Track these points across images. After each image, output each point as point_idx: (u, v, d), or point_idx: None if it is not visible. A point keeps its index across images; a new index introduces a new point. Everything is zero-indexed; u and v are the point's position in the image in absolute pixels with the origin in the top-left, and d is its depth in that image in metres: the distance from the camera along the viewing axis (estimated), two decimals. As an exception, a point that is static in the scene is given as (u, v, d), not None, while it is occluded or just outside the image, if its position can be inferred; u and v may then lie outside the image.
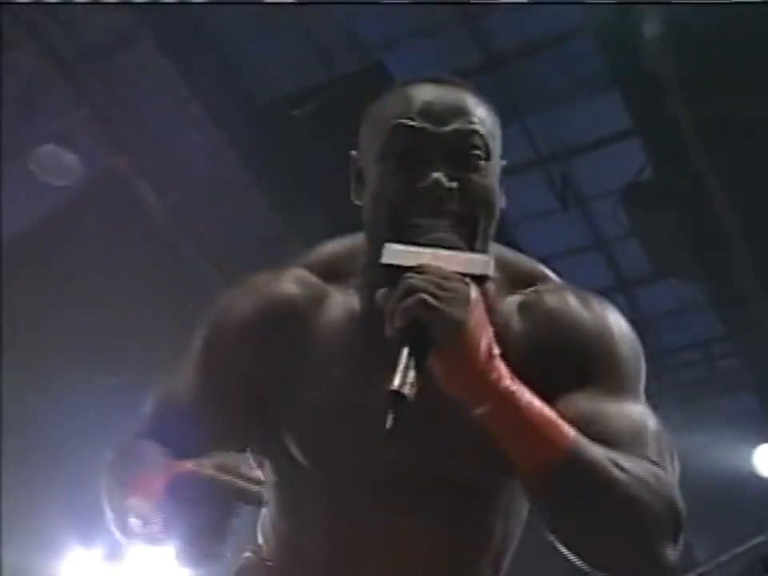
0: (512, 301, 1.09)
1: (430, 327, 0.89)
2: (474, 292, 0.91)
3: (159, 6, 3.54)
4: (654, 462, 0.97)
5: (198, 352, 1.12)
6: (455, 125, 1.03)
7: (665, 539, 0.93)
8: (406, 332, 0.89)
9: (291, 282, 1.10)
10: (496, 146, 1.07)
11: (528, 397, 0.93)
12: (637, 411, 1.02)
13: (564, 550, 0.94)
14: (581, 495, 0.91)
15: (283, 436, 1.09)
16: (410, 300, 0.89)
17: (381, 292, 0.93)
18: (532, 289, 1.10)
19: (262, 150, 4.06)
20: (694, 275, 4.52)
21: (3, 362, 4.19)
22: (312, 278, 1.11)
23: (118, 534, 1.05)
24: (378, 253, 0.98)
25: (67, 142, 3.87)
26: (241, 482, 0.90)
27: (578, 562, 0.93)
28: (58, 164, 3.90)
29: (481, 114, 1.06)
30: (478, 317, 0.91)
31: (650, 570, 0.94)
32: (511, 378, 0.93)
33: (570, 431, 0.93)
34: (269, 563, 1.15)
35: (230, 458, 0.94)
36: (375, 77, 3.57)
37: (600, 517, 0.92)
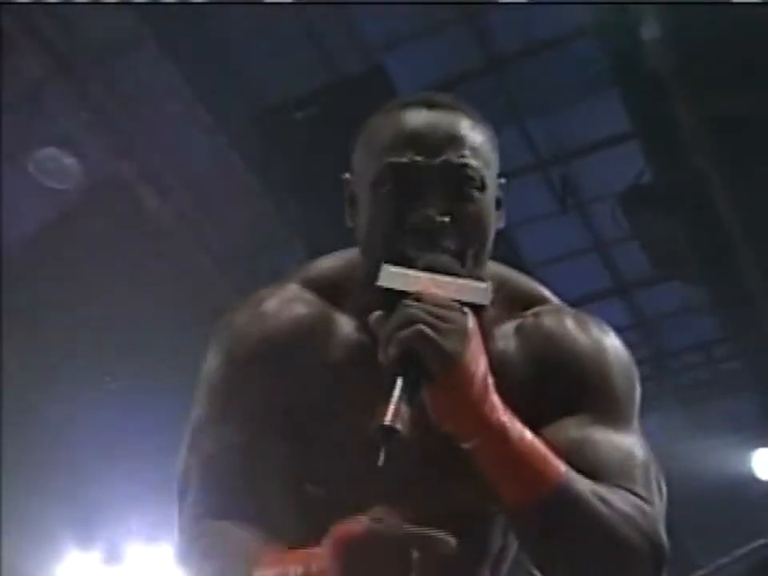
0: (510, 324, 1.08)
1: (426, 359, 0.88)
2: (471, 322, 0.91)
3: (161, 8, 3.54)
4: (640, 497, 0.98)
5: (221, 392, 1.06)
6: (448, 157, 1.02)
7: (646, 571, 0.95)
8: (401, 362, 0.87)
9: (298, 302, 1.08)
10: (491, 173, 1.06)
11: (519, 429, 0.93)
12: (627, 441, 1.02)
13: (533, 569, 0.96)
14: (566, 530, 0.92)
15: (296, 459, 1.06)
16: (407, 331, 0.88)
17: (375, 316, 0.92)
18: (530, 312, 1.10)
19: (264, 152, 4.06)
20: (694, 277, 4.53)
21: (3, 364, 4.19)
22: (315, 300, 1.09)
23: None
24: (373, 278, 0.97)
25: (68, 144, 3.87)
26: (424, 530, 0.85)
27: None
28: (58, 167, 3.90)
29: (475, 142, 1.04)
30: (474, 348, 0.90)
31: None
32: (504, 410, 0.92)
33: (559, 465, 0.93)
34: None
35: (383, 513, 0.90)
36: (377, 79, 3.58)
37: (583, 551, 0.94)
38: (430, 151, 1.02)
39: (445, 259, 0.96)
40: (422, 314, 0.89)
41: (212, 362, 1.08)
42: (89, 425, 4.24)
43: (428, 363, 0.88)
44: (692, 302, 4.98)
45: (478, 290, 0.94)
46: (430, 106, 1.05)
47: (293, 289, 1.10)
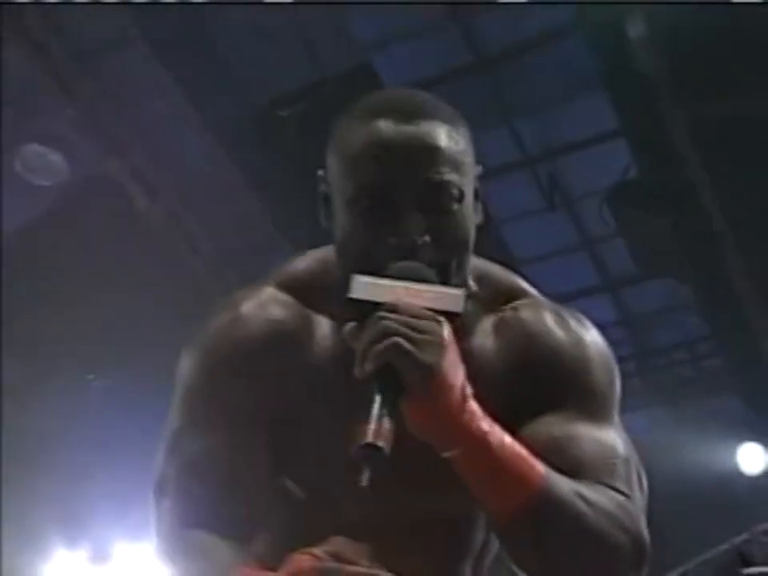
0: (490, 318, 1.08)
1: (403, 372, 0.87)
2: (446, 332, 0.89)
3: (150, 7, 3.53)
4: (622, 493, 0.98)
5: (198, 390, 1.06)
6: (425, 174, 0.99)
7: (628, 571, 0.96)
8: (378, 376, 0.86)
9: (275, 305, 1.07)
10: (469, 178, 1.03)
11: (499, 435, 0.92)
12: (608, 437, 1.03)
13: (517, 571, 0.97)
14: (549, 532, 0.93)
15: (277, 463, 1.06)
16: (383, 345, 0.87)
17: (349, 328, 0.91)
18: (510, 306, 1.09)
19: (253, 150, 4.06)
20: (680, 275, 4.55)
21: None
22: (292, 302, 1.08)
23: None
24: (347, 285, 0.96)
25: (54, 141, 3.86)
26: (372, 571, 0.87)
27: None
28: (45, 164, 3.89)
29: (453, 153, 1.01)
30: (451, 358, 0.89)
31: None
32: (483, 417, 0.92)
33: (540, 469, 0.93)
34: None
35: (342, 546, 0.91)
36: (365, 77, 3.58)
37: (566, 551, 0.95)
38: (406, 169, 0.99)
39: (417, 266, 0.95)
40: (397, 326, 0.87)
41: (188, 367, 1.07)
42: (75, 424, 4.23)
43: (405, 376, 0.87)
44: (677, 300, 5.01)
45: (453, 298, 0.92)
46: (404, 115, 1.01)
47: (269, 291, 1.08)
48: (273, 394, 1.05)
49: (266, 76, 3.95)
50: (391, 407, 0.86)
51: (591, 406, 1.04)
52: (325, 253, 1.10)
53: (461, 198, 1.01)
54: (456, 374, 0.90)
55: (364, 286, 0.92)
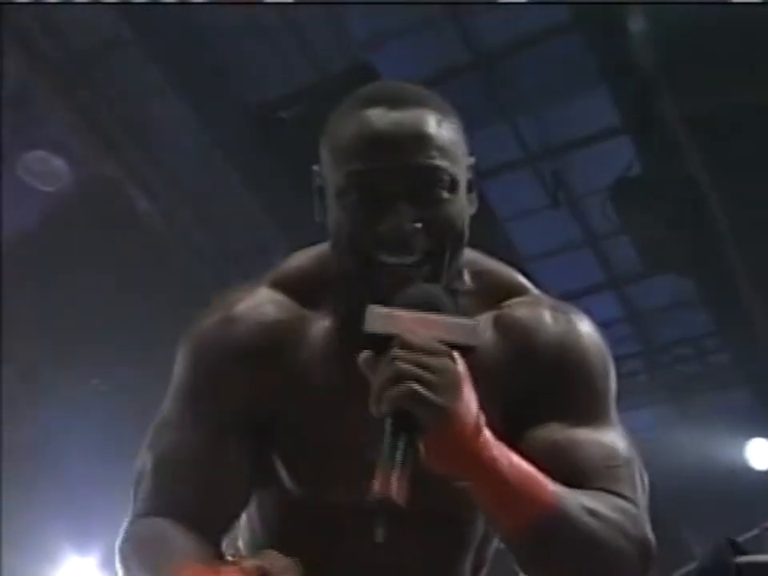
0: (487, 314, 1.08)
1: (418, 417, 0.86)
2: (461, 368, 0.88)
3: (146, 9, 3.53)
4: (626, 498, 0.99)
5: (188, 387, 1.06)
6: (415, 161, 0.98)
7: (634, 572, 0.98)
8: (393, 420, 0.85)
9: (269, 305, 1.07)
10: (461, 167, 1.02)
11: (507, 459, 0.92)
12: (609, 438, 1.04)
13: None
14: (558, 546, 0.94)
15: (272, 460, 1.07)
16: (397, 390, 0.85)
17: (364, 358, 0.89)
18: (508, 303, 1.09)
19: (252, 151, 4.06)
20: (684, 271, 4.54)
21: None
22: (287, 301, 1.07)
23: None
24: (345, 275, 0.99)
25: (56, 147, 3.86)
26: None
27: None
28: (47, 169, 3.89)
29: (442, 140, 1.00)
30: (465, 396, 0.88)
31: None
32: (494, 445, 0.91)
33: (549, 488, 0.93)
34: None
35: (271, 559, 0.92)
36: (363, 77, 3.58)
37: (575, 564, 0.96)
38: (395, 155, 0.98)
39: (430, 292, 0.92)
40: (411, 369, 0.86)
41: (180, 366, 1.08)
42: (84, 428, 4.23)
43: (421, 419, 0.86)
44: (682, 296, 5.00)
45: (467, 329, 0.90)
46: (393, 103, 1.00)
47: (262, 291, 1.08)
48: (264, 395, 1.05)
49: (264, 76, 3.95)
50: (407, 452, 0.85)
51: (591, 408, 1.04)
52: (320, 249, 1.09)
53: (452, 186, 1.00)
54: (470, 410, 0.89)
55: (377, 318, 0.89)
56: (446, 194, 0.99)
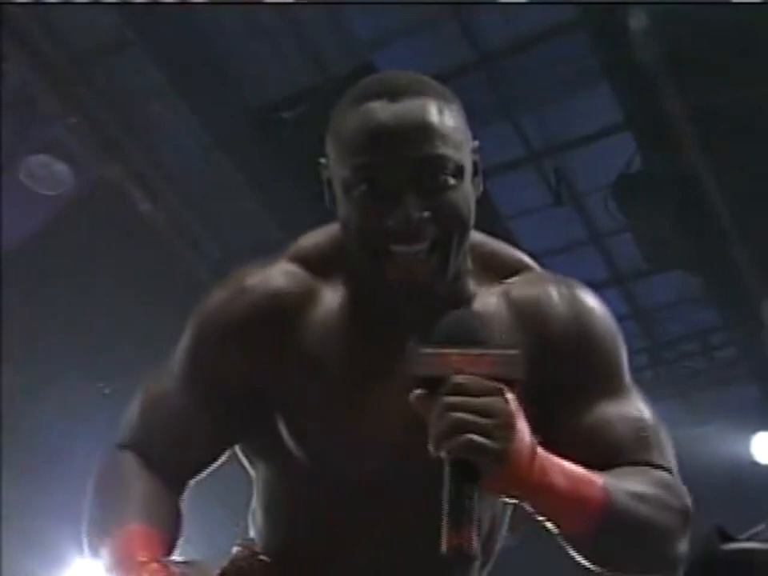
0: (494, 288, 1.10)
1: (478, 464, 0.88)
2: (513, 405, 0.90)
3: (146, 10, 3.53)
4: (660, 467, 1.05)
5: (187, 353, 1.11)
6: (419, 151, 0.99)
7: (680, 541, 1.04)
8: (454, 468, 0.88)
9: (281, 277, 1.09)
10: (465, 153, 1.04)
11: (561, 472, 0.95)
12: (633, 408, 1.07)
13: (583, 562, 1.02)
14: (615, 539, 0.98)
15: (279, 432, 1.09)
16: (458, 441, 0.87)
17: (417, 396, 0.91)
18: (512, 280, 1.12)
19: (254, 152, 4.06)
20: (689, 266, 4.53)
21: (5, 372, 4.18)
22: (301, 273, 1.10)
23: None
24: (357, 260, 1.03)
25: (58, 150, 3.86)
26: None
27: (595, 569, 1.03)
28: (49, 173, 3.90)
29: (445, 127, 1.01)
30: (520, 431, 0.90)
31: (666, 567, 1.05)
32: (547, 464, 0.94)
33: (598, 485, 0.96)
34: (260, 557, 1.16)
35: (198, 567, 0.98)
36: (365, 77, 3.57)
37: (633, 549, 1.02)
38: (398, 148, 1.00)
39: (468, 324, 0.93)
40: (468, 418, 0.87)
41: (187, 332, 1.12)
42: (89, 432, 4.24)
43: (481, 467, 0.88)
44: (687, 292, 4.99)
45: (512, 360, 0.91)
46: (393, 95, 1.01)
47: (278, 264, 1.11)
48: (266, 364, 1.07)
49: (265, 77, 3.95)
50: (472, 499, 0.87)
51: (612, 381, 1.08)
52: (335, 228, 1.11)
53: (457, 173, 1.02)
54: (525, 444, 0.91)
55: (422, 359, 0.90)
56: (451, 181, 1.01)
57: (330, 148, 1.06)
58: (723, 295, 4.69)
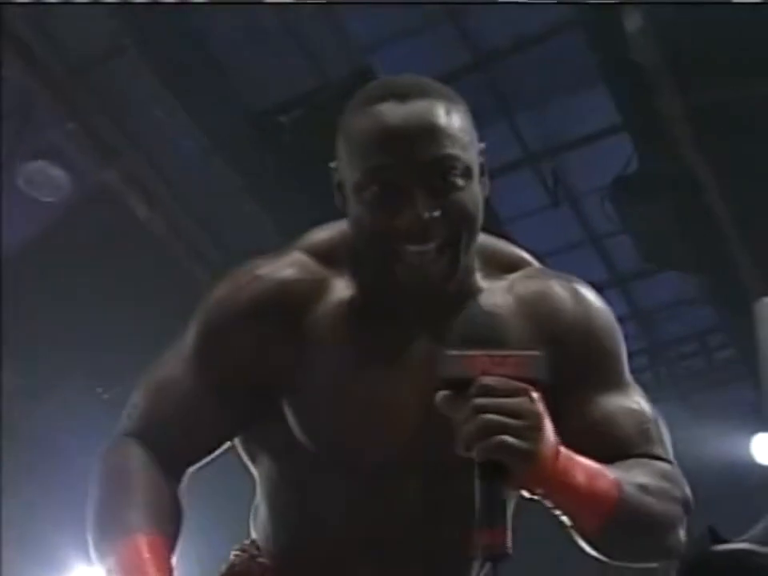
0: (498, 283, 1.13)
1: (509, 464, 0.90)
2: (540, 406, 0.92)
3: (143, 13, 3.53)
4: (661, 458, 1.09)
5: (197, 338, 1.11)
6: (428, 152, 1.02)
7: (680, 529, 1.07)
8: (485, 469, 0.90)
9: (292, 267, 1.11)
10: (472, 153, 1.06)
11: (582, 470, 0.97)
12: (634, 401, 1.11)
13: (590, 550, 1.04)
14: (627, 530, 1.02)
15: (287, 422, 1.10)
16: (489, 442, 0.89)
17: (443, 397, 0.93)
18: (515, 275, 1.14)
19: (252, 156, 4.06)
20: (687, 267, 4.54)
21: (6, 375, 4.18)
22: (312, 263, 1.11)
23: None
24: (367, 260, 1.06)
25: (55, 156, 3.87)
26: None
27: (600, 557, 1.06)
28: (47, 179, 3.90)
29: (453, 128, 1.04)
30: (547, 431, 0.93)
31: (665, 555, 1.09)
32: (569, 464, 0.96)
33: (612, 481, 0.99)
34: (259, 560, 1.16)
35: None
36: (363, 80, 3.57)
37: (642, 539, 1.05)
38: (409, 149, 1.02)
39: (490, 325, 0.94)
40: (498, 420, 0.89)
41: (199, 317, 1.12)
42: (89, 437, 4.23)
43: (511, 467, 0.90)
44: (686, 292, 5.00)
45: (535, 362, 0.93)
46: (401, 97, 1.04)
47: (291, 254, 1.13)
48: (274, 352, 1.08)
49: (264, 81, 3.95)
50: (503, 498, 0.90)
51: (615, 376, 1.11)
52: (343, 224, 1.13)
53: (466, 173, 1.04)
54: (550, 443, 0.93)
55: (451, 362, 0.92)
56: (460, 182, 1.04)
57: (339, 151, 1.08)
58: (722, 296, 4.69)
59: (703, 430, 5.28)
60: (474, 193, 1.06)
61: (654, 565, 1.10)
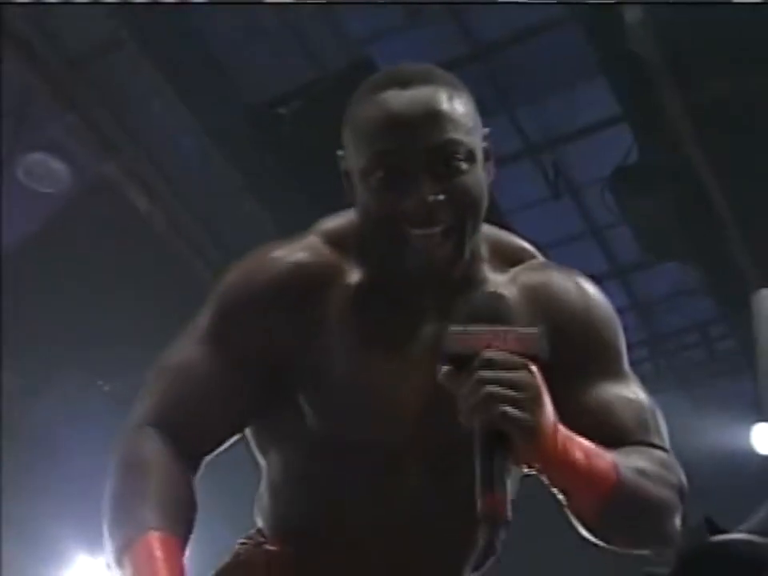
0: (504, 276, 1.15)
1: (509, 434, 0.93)
2: (539, 380, 0.95)
3: (142, 8, 3.53)
4: (659, 447, 1.10)
5: (211, 321, 1.12)
6: (432, 137, 1.04)
7: (676, 516, 1.08)
8: (487, 438, 0.92)
9: (305, 251, 1.12)
10: (476, 138, 1.08)
11: (580, 446, 0.99)
12: (631, 391, 1.12)
13: (588, 536, 1.05)
14: (624, 512, 1.03)
15: (300, 405, 1.11)
16: (492, 412, 0.92)
17: (445, 373, 0.95)
18: (518, 267, 1.16)
19: (251, 149, 4.05)
20: (687, 258, 4.54)
21: (5, 370, 4.18)
22: (326, 248, 1.13)
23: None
24: (375, 245, 1.08)
25: (55, 149, 3.86)
26: None
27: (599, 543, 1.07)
28: (47, 172, 3.90)
29: (456, 113, 1.06)
30: (546, 405, 0.95)
31: (663, 542, 1.09)
32: (569, 441, 0.98)
33: (611, 463, 1.01)
34: (267, 547, 1.17)
35: None
36: (362, 72, 3.56)
37: (638, 522, 1.06)
38: (413, 134, 1.04)
39: (493, 305, 0.97)
40: (500, 391, 0.92)
41: (213, 300, 1.13)
42: (91, 430, 4.24)
43: (512, 438, 0.93)
44: (686, 283, 5.00)
45: (535, 338, 0.96)
46: (405, 84, 1.06)
47: (306, 239, 1.14)
48: (293, 333, 1.10)
49: (262, 74, 3.95)
50: (504, 468, 0.92)
51: (614, 365, 1.13)
52: (353, 214, 1.14)
53: (469, 157, 1.06)
54: (550, 418, 0.96)
55: (455, 338, 0.95)
56: (464, 166, 1.05)
57: (346, 139, 1.10)
58: (722, 287, 4.69)
59: (703, 420, 5.29)
60: (478, 177, 1.07)
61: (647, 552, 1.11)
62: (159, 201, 4.15)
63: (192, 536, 1.06)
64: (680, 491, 1.08)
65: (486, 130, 1.11)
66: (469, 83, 1.13)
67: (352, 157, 1.08)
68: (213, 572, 1.17)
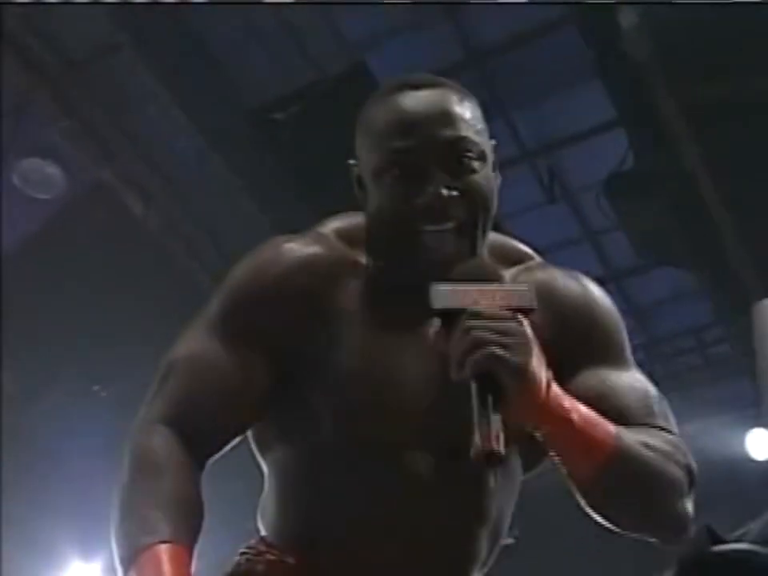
0: (506, 275, 1.17)
1: (500, 376, 0.94)
2: (528, 329, 0.97)
3: (139, 11, 3.53)
4: (665, 429, 1.10)
5: (222, 311, 1.12)
6: (445, 135, 1.07)
7: (685, 498, 1.08)
8: (478, 382, 0.94)
9: (316, 244, 1.13)
10: (486, 141, 1.11)
11: (576, 408, 1.01)
12: (636, 379, 1.14)
13: (596, 517, 1.05)
14: (626, 480, 1.02)
15: (310, 401, 1.11)
16: (479, 355, 0.94)
17: (437, 333, 0.98)
18: (521, 267, 1.18)
19: (248, 153, 4.06)
20: (682, 263, 4.54)
21: (4, 374, 4.17)
22: (339, 244, 1.14)
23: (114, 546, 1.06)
24: (383, 253, 1.10)
25: (51, 154, 3.86)
26: None
27: (608, 526, 1.06)
28: (42, 177, 3.89)
29: (467, 115, 1.10)
30: (536, 353, 0.97)
31: (672, 525, 1.08)
32: (562, 396, 1.00)
33: (611, 429, 1.02)
34: (269, 557, 1.15)
35: None
36: (359, 77, 3.57)
37: (641, 494, 1.05)
38: (427, 132, 1.07)
39: (479, 266, 1.01)
40: (489, 335, 0.95)
41: (226, 288, 1.14)
42: (87, 435, 4.23)
43: (502, 380, 0.94)
44: (682, 287, 5.00)
45: (523, 294, 0.99)
46: (417, 86, 1.10)
47: (314, 233, 1.16)
48: (305, 323, 1.10)
49: (259, 78, 3.95)
50: (496, 409, 0.93)
51: (618, 355, 1.15)
52: (359, 216, 1.16)
53: (480, 157, 1.09)
54: (541, 365, 0.98)
55: (443, 295, 0.97)
56: (476, 164, 1.09)
57: (359, 143, 1.13)
58: (717, 291, 4.70)
59: (699, 425, 5.30)
60: (489, 177, 1.10)
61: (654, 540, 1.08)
62: (156, 205, 4.15)
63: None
64: (688, 471, 1.08)
65: (493, 141, 1.14)
66: (465, 87, 1.15)
67: (365, 160, 1.11)
68: None
